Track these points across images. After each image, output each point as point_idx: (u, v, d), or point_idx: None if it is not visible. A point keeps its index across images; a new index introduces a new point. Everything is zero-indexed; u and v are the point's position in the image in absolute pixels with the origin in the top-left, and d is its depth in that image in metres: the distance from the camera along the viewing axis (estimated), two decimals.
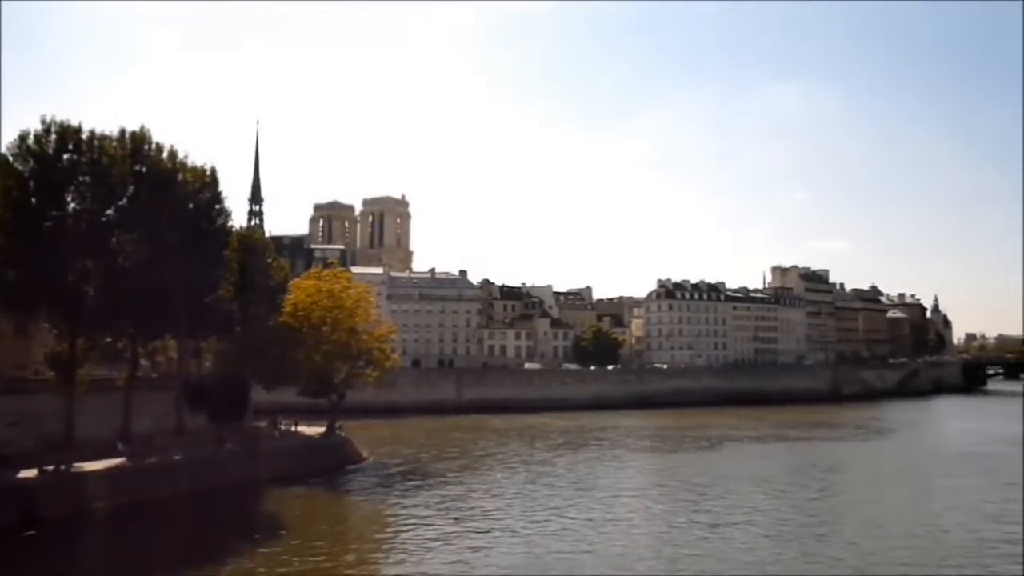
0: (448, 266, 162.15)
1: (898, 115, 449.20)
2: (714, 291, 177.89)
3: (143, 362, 62.68)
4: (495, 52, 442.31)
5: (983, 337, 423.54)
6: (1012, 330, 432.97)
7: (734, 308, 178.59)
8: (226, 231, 59.69)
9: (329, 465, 61.30)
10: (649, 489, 57.13)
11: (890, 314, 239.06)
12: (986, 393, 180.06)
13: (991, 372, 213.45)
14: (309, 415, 69.61)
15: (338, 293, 68.56)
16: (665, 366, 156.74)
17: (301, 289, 69.04)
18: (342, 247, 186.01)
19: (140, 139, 52.60)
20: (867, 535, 41.36)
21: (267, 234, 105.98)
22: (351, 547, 40.49)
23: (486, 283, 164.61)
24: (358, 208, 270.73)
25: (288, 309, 66.21)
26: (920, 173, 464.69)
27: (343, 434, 68.76)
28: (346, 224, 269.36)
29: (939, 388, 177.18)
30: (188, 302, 52.65)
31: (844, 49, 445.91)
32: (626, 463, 71.03)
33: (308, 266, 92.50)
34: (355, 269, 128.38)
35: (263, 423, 66.22)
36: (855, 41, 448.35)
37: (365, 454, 67.81)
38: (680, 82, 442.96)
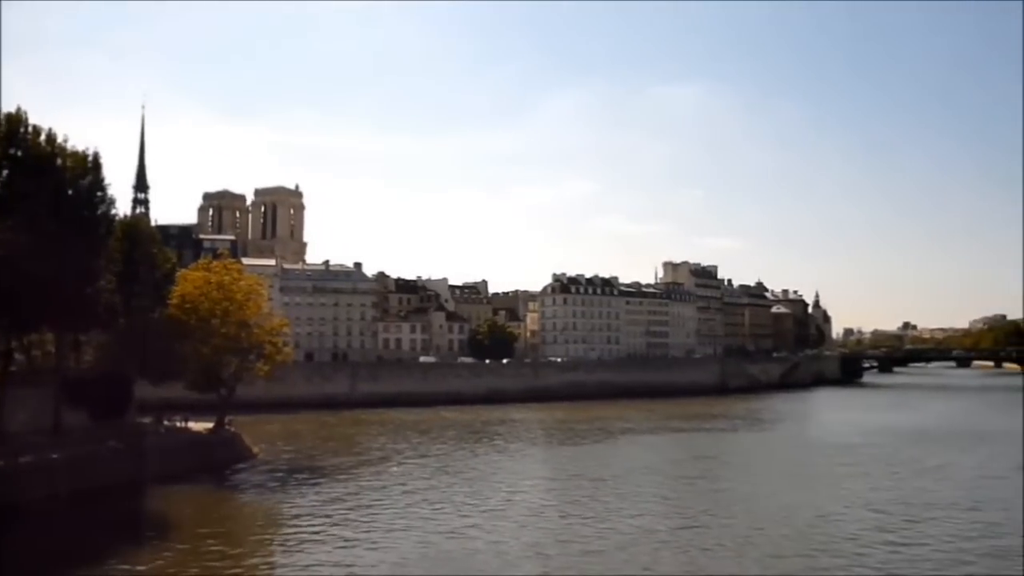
0: (343, 258, 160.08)
1: (788, 117, 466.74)
2: (608, 286, 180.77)
3: (17, 356, 59.39)
4: (390, 43, 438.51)
5: (860, 332, 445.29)
6: (887, 325, 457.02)
7: (627, 303, 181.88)
8: (109, 219, 56.93)
9: (218, 462, 59.57)
10: (544, 482, 57.62)
11: (774, 309, 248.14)
12: (862, 385, 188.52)
13: (867, 365, 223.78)
14: (198, 411, 67.37)
15: (228, 285, 66.54)
16: (560, 360, 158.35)
17: (189, 280, 66.72)
18: (233, 238, 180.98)
19: (15, 121, 49.69)
20: (750, 525, 42.55)
21: (153, 223, 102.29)
22: (239, 546, 39.33)
23: (381, 276, 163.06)
24: (250, 198, 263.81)
25: (175, 301, 63.97)
26: (805, 174, 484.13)
27: (233, 430, 66.93)
28: (237, 214, 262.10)
29: (819, 381, 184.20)
30: (67, 293, 50.11)
31: (738, 52, 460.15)
32: (522, 456, 71.54)
33: (196, 257, 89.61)
34: (246, 260, 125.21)
35: (148, 419, 63.81)
36: (749, 44, 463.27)
37: (255, 450, 66.22)
38: (578, 80, 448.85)
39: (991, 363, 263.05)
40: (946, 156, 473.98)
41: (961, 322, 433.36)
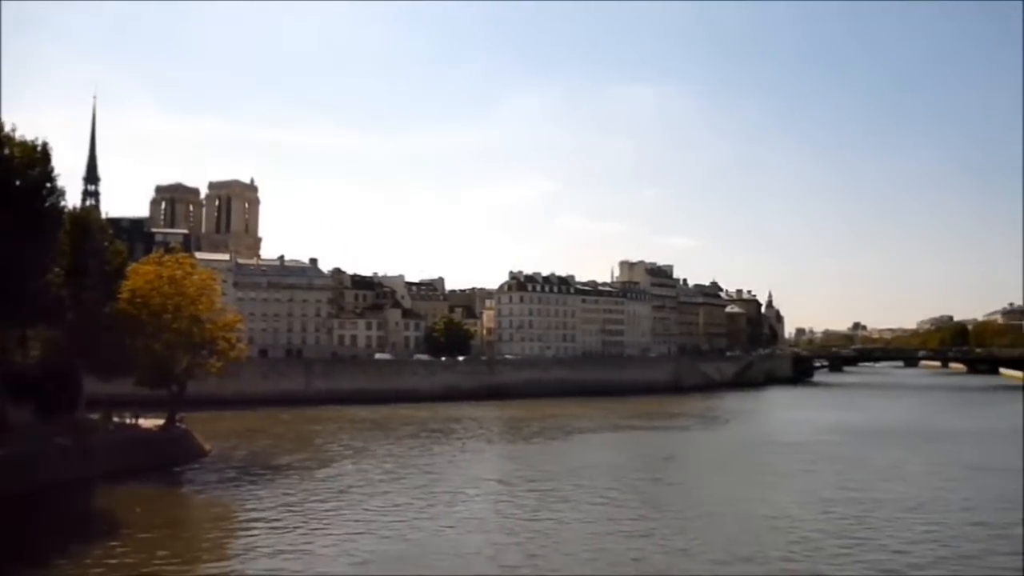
0: (298, 254, 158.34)
1: (745, 118, 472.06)
2: (564, 284, 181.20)
3: None
4: (350, 39, 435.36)
5: (812, 332, 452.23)
6: (838, 325, 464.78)
7: (583, 301, 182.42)
8: (58, 211, 55.62)
9: (168, 460, 58.58)
10: (500, 480, 57.48)
11: (728, 309, 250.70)
12: (813, 385, 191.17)
13: (818, 365, 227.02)
14: (149, 407, 66.18)
15: (180, 279, 65.46)
16: (516, 357, 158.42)
17: (140, 274, 65.44)
18: (186, 231, 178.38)
19: None
20: (704, 523, 43.01)
21: (104, 215, 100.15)
22: (190, 546, 38.70)
23: (337, 272, 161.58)
24: (204, 191, 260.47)
25: (125, 295, 62.64)
26: (760, 174, 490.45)
27: (184, 427, 65.89)
28: (190, 208, 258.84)
29: (771, 380, 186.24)
30: (12, 286, 48.89)
31: (697, 53, 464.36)
32: (478, 454, 71.49)
33: (148, 250, 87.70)
34: (200, 255, 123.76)
35: (97, 416, 62.51)
36: (708, 45, 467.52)
37: (207, 447, 65.30)
38: (538, 80, 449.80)
39: (938, 363, 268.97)
40: (898, 159, 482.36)
41: (909, 323, 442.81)
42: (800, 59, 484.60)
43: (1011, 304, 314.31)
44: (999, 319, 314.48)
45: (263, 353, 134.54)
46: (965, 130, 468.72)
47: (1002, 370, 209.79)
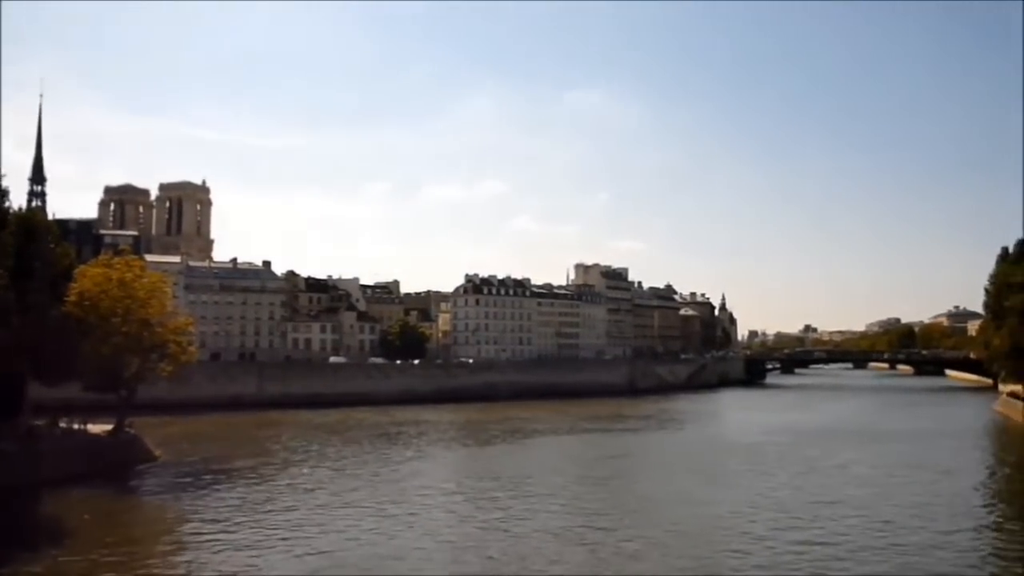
0: (251, 257, 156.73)
1: (695, 121, 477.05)
2: (520, 287, 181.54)
3: None
4: (302, 40, 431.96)
5: (764, 334, 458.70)
6: (789, 328, 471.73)
7: (539, 304, 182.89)
8: (2, 212, 54.55)
9: (117, 465, 57.69)
10: (454, 483, 57.41)
11: (682, 312, 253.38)
12: (765, 386, 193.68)
13: (770, 367, 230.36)
14: (98, 412, 64.94)
15: (130, 282, 64.21)
16: (471, 360, 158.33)
17: (88, 277, 64.06)
18: (135, 233, 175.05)
19: None
20: (658, 524, 43.28)
21: (51, 217, 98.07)
22: (139, 553, 37.97)
23: (291, 275, 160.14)
24: (154, 193, 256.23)
25: (73, 299, 61.29)
26: (711, 178, 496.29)
27: (133, 432, 64.74)
28: (140, 209, 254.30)
29: (724, 382, 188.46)
30: None
31: (646, 59, 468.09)
32: (433, 457, 71.31)
33: (97, 252, 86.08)
34: (150, 257, 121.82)
35: (43, 422, 61.17)
36: (659, 50, 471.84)
37: (157, 453, 64.27)
38: (492, 83, 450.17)
39: (886, 365, 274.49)
40: (845, 163, 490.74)
41: (858, 325, 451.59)
42: (749, 64, 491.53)
43: (956, 307, 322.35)
44: (945, 321, 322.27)
45: (215, 357, 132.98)
46: (906, 133, 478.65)
47: (948, 372, 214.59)
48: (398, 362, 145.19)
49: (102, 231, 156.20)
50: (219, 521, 43.12)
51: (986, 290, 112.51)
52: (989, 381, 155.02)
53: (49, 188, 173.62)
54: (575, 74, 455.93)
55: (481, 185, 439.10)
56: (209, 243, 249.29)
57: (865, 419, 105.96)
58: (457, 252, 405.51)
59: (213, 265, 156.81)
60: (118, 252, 75.09)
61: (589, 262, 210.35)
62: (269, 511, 46.06)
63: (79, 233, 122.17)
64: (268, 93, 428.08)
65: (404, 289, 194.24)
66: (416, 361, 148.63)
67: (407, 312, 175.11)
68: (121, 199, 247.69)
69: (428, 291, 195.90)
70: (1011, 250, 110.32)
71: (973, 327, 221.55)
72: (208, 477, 56.95)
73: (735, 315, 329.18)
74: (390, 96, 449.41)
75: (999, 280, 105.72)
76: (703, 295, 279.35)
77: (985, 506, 50.87)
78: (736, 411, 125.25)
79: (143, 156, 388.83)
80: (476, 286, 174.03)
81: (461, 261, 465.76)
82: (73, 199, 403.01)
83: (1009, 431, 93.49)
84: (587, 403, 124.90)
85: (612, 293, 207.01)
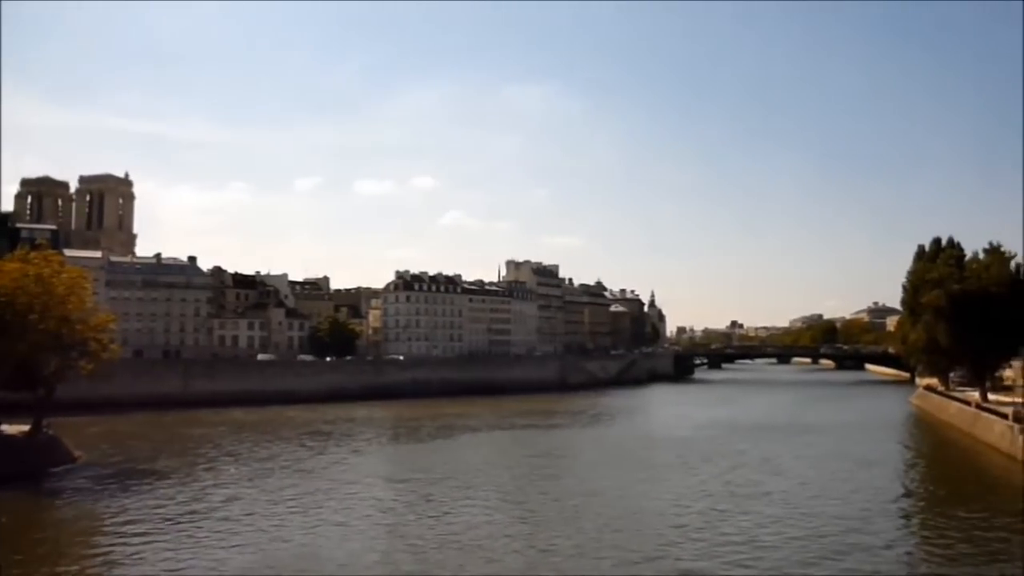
0: (177, 252, 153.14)
1: (632, 120, 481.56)
2: (451, 284, 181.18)
3: None
4: (234, 32, 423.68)
5: (692, 330, 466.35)
6: (717, 324, 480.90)
7: (470, 300, 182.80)
8: None
9: (34, 467, 55.66)
10: (385, 481, 56.99)
11: (613, 308, 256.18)
12: (693, 381, 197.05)
13: (698, 362, 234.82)
14: (14, 412, 62.81)
15: (48, 277, 62.21)
16: (402, 357, 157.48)
17: (4, 272, 61.93)
18: (54, 227, 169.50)
19: None
20: (589, 520, 43.64)
21: None
22: (57, 558, 36.85)
23: (217, 271, 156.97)
24: (74, 185, 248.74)
25: None
26: (643, 175, 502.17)
27: (51, 432, 62.72)
28: (59, 202, 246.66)
29: (653, 377, 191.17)
30: None
31: (584, 56, 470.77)
32: (363, 455, 70.70)
33: (13, 247, 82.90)
34: (69, 252, 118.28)
35: None
36: (594, 49, 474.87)
37: (77, 454, 62.41)
38: (426, 77, 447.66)
39: (809, 360, 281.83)
40: (769, 161, 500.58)
41: (782, 321, 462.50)
42: (688, 64, 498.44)
43: (876, 303, 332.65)
44: (865, 317, 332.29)
45: (138, 354, 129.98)
46: (829, 133, 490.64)
47: (867, 366, 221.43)
48: (328, 359, 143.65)
49: (19, 224, 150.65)
50: (138, 525, 41.93)
51: (904, 287, 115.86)
52: (907, 375, 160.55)
53: None
54: (515, 69, 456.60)
55: (414, 180, 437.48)
56: (132, 238, 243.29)
57: (789, 413, 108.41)
58: (388, 249, 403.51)
59: (136, 260, 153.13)
60: (35, 246, 72.59)
61: (521, 259, 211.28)
62: (194, 512, 45.01)
63: None
64: (196, 85, 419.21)
65: (334, 285, 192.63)
66: (346, 358, 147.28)
67: (337, 309, 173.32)
68: (39, 191, 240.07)
69: (359, 288, 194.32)
70: (927, 248, 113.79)
71: (892, 323, 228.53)
72: (131, 479, 55.44)
73: (664, 312, 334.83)
74: (324, 90, 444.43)
75: (915, 277, 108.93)
76: (633, 292, 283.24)
77: (904, 495, 52.52)
78: (666, 406, 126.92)
79: (63, 148, 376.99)
80: (407, 283, 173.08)
81: (392, 258, 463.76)
82: None
83: (925, 423, 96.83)
84: (518, 399, 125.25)
85: (543, 290, 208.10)
